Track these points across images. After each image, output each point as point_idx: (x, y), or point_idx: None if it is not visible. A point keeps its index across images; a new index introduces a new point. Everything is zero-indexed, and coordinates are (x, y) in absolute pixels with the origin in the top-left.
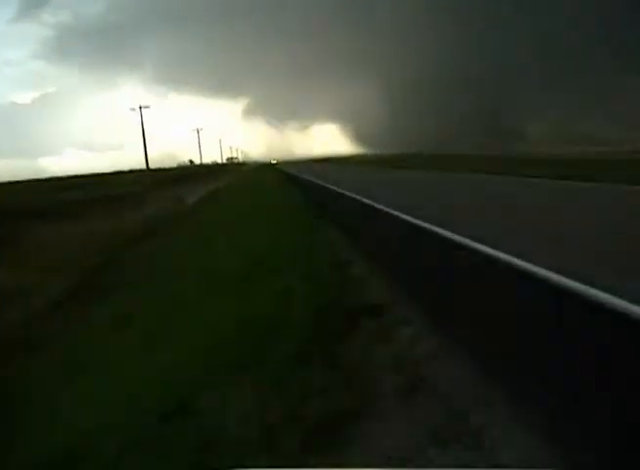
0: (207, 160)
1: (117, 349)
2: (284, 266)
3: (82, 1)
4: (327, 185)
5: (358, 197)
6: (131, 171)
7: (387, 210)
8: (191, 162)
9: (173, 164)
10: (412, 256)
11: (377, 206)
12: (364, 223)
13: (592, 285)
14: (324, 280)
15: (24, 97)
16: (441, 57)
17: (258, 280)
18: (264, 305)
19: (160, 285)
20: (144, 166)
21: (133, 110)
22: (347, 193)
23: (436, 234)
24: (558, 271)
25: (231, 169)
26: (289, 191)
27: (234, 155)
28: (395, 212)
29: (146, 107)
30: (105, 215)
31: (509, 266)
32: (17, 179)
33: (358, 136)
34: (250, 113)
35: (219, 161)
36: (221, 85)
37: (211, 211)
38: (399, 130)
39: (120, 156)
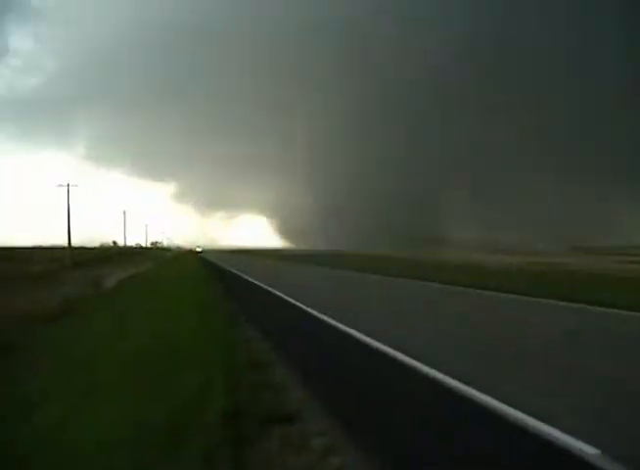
0: (132, 242)
1: None
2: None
3: (19, 73)
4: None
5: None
6: (52, 248)
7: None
8: (114, 243)
9: (97, 244)
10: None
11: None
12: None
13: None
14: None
15: None
16: (367, 167)
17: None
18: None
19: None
20: (66, 244)
21: (61, 186)
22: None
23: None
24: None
25: (155, 254)
26: (211, 284)
27: (159, 239)
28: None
29: (74, 185)
30: (13, 294)
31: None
32: None
33: (285, 231)
34: (177, 198)
35: (144, 244)
36: (150, 168)
37: (129, 297)
38: (326, 228)
39: (43, 231)
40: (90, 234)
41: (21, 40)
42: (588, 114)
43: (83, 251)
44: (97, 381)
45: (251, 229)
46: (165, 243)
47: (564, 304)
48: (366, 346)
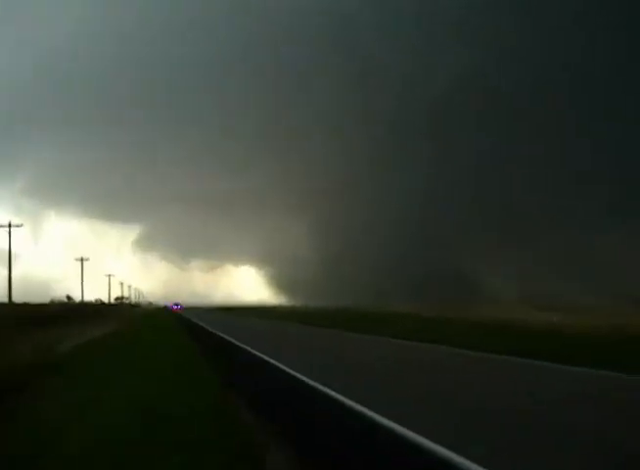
0: (91, 297)
1: None
2: None
3: None
4: None
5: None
6: None
7: None
8: (69, 298)
9: (46, 300)
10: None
11: None
12: None
13: None
14: None
15: None
16: (386, 208)
17: None
18: None
19: None
20: (6, 300)
21: (1, 227)
22: None
23: None
24: None
25: (120, 313)
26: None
27: (125, 293)
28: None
29: (16, 225)
30: None
31: None
32: None
33: (280, 283)
34: (146, 244)
35: (106, 300)
36: (111, 208)
37: (86, 367)
38: (329, 281)
39: None
40: (38, 287)
41: None
42: None
43: (29, 307)
44: None
45: (240, 281)
46: (134, 298)
47: None
48: None
